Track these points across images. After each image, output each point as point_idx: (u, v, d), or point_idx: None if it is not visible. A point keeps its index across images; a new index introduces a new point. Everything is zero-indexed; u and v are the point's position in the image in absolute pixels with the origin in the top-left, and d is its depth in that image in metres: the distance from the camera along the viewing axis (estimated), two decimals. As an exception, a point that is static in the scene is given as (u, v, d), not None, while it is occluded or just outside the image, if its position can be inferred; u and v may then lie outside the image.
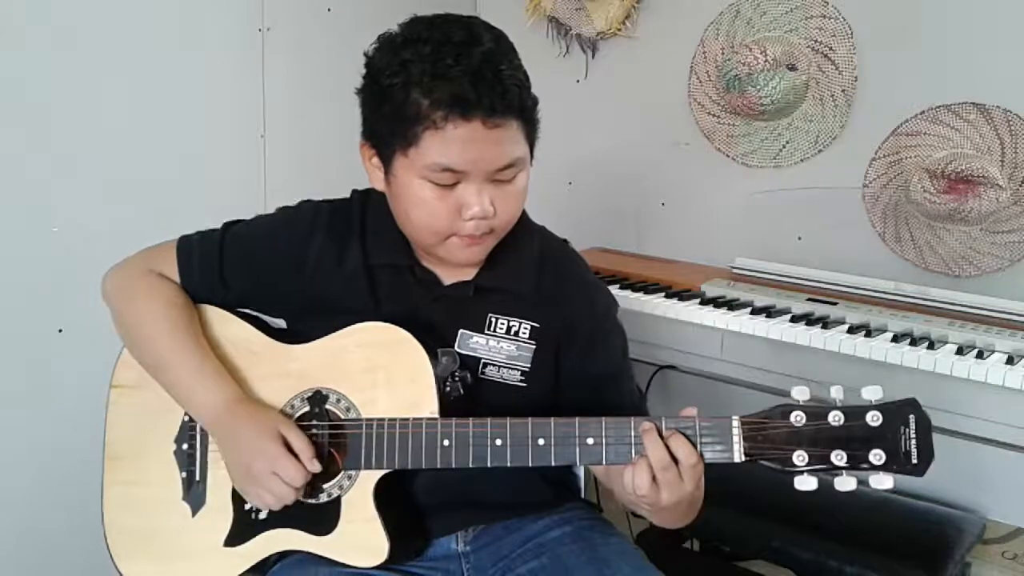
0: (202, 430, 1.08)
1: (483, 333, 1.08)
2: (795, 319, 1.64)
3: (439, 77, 0.92)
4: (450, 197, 0.98)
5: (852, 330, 1.59)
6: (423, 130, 0.94)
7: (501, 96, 0.93)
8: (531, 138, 1.01)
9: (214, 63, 1.86)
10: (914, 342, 1.52)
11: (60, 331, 1.64)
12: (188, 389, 1.05)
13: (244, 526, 1.05)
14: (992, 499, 1.60)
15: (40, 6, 1.55)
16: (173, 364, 1.06)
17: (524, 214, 1.12)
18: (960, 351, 1.49)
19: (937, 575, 1.43)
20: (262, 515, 1.04)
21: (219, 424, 1.04)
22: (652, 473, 0.90)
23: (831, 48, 1.90)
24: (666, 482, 0.90)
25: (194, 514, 1.07)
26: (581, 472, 1.27)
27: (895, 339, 1.54)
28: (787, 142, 1.98)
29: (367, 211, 1.12)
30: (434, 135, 0.94)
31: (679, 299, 1.78)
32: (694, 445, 0.91)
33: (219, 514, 1.06)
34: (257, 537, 1.04)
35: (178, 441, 1.09)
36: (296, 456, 0.99)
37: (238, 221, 1.16)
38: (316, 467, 0.99)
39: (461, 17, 0.98)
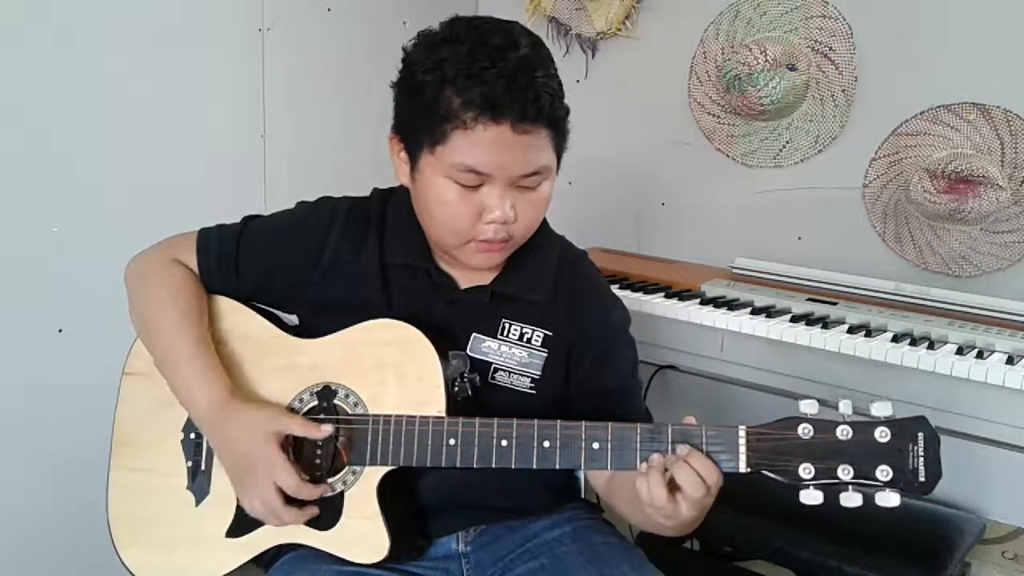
0: None
1: (496, 338, 1.09)
2: (795, 319, 1.64)
3: (473, 78, 0.92)
4: (473, 199, 0.98)
5: (852, 330, 1.59)
6: (452, 129, 0.94)
7: (533, 102, 0.93)
8: (559, 148, 1.01)
9: (214, 63, 1.86)
10: (914, 342, 1.52)
11: (60, 331, 1.64)
12: (184, 381, 1.05)
13: (246, 517, 1.05)
14: (992, 499, 1.60)
15: (40, 6, 1.55)
16: (171, 354, 1.06)
17: (545, 223, 1.12)
18: (960, 351, 1.49)
19: (937, 575, 1.42)
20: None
21: (208, 422, 1.04)
22: (668, 484, 0.89)
23: (831, 48, 1.90)
24: (692, 501, 0.89)
25: (197, 503, 1.07)
26: (581, 473, 1.27)
27: (895, 339, 1.54)
28: (787, 142, 1.99)
29: (387, 210, 1.12)
30: (463, 135, 0.94)
31: (679, 299, 1.78)
32: (715, 463, 0.90)
33: (222, 504, 1.06)
34: (259, 529, 1.04)
35: (186, 430, 1.09)
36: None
37: (258, 216, 1.17)
38: (328, 429, 0.99)
39: (501, 21, 0.99)
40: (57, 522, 1.66)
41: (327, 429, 1.00)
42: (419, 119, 0.97)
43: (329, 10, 2.06)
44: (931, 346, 1.51)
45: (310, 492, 1.00)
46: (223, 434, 1.02)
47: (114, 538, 1.10)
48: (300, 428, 1.00)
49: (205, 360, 1.05)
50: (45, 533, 1.66)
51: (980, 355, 1.45)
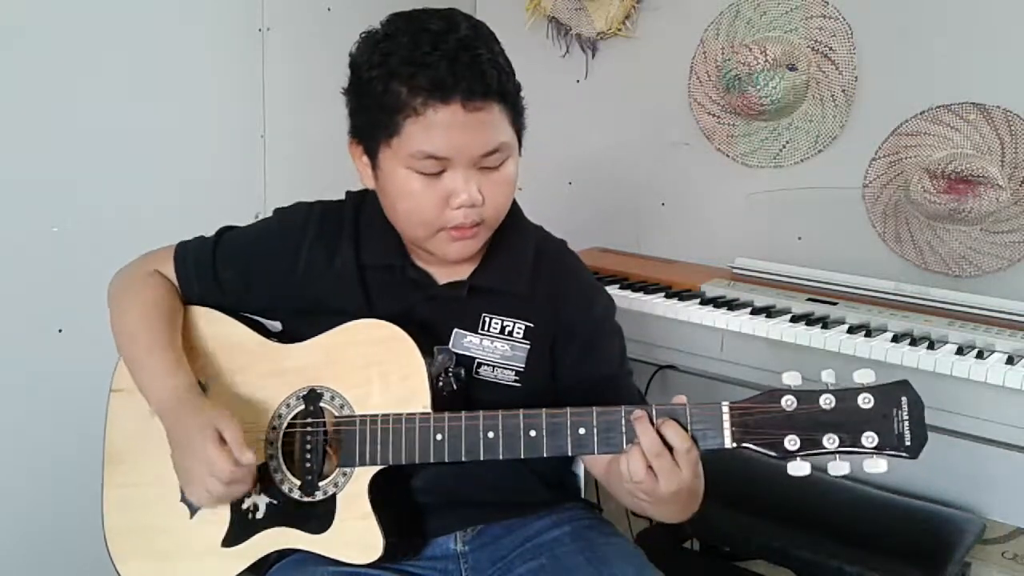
0: None
1: (477, 333, 1.08)
2: (795, 319, 1.64)
3: (416, 64, 0.93)
4: (437, 186, 0.97)
5: (852, 330, 1.59)
6: (404, 118, 0.94)
7: (480, 78, 0.93)
8: (517, 125, 1.01)
9: (214, 63, 1.86)
10: (914, 342, 1.52)
11: (60, 331, 1.64)
12: (149, 373, 1.05)
13: (241, 526, 1.05)
14: (992, 499, 1.60)
15: (40, 6, 1.55)
16: (141, 352, 1.07)
17: (521, 213, 1.12)
18: (960, 351, 1.49)
19: (937, 575, 1.42)
20: (259, 514, 1.04)
21: (167, 409, 1.04)
22: (647, 460, 0.89)
23: (831, 48, 1.90)
24: (661, 469, 0.89)
25: (192, 515, 1.07)
26: (581, 472, 1.27)
27: (895, 339, 1.54)
28: (787, 142, 1.98)
29: (361, 211, 1.12)
30: (415, 122, 0.94)
31: (679, 299, 1.78)
32: (686, 430, 0.90)
33: (217, 514, 1.06)
34: (254, 536, 1.04)
35: None
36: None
37: (233, 227, 1.18)
38: (248, 458, 0.96)
39: (440, 9, 0.99)
40: (57, 522, 1.66)
41: (248, 458, 0.96)
42: (372, 117, 0.98)
43: (329, 10, 2.06)
44: (931, 346, 1.51)
45: (247, 458, 0.96)
46: (177, 421, 1.02)
47: (111, 552, 1.10)
48: (231, 435, 0.97)
49: (173, 355, 1.05)
50: (45, 533, 1.66)
51: (980, 355, 1.45)
